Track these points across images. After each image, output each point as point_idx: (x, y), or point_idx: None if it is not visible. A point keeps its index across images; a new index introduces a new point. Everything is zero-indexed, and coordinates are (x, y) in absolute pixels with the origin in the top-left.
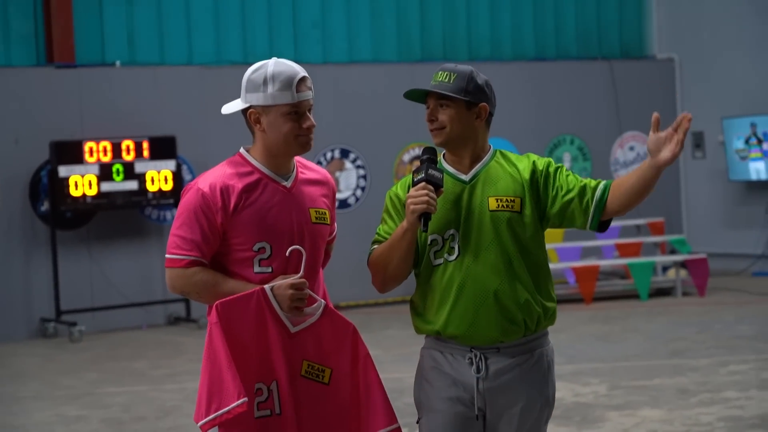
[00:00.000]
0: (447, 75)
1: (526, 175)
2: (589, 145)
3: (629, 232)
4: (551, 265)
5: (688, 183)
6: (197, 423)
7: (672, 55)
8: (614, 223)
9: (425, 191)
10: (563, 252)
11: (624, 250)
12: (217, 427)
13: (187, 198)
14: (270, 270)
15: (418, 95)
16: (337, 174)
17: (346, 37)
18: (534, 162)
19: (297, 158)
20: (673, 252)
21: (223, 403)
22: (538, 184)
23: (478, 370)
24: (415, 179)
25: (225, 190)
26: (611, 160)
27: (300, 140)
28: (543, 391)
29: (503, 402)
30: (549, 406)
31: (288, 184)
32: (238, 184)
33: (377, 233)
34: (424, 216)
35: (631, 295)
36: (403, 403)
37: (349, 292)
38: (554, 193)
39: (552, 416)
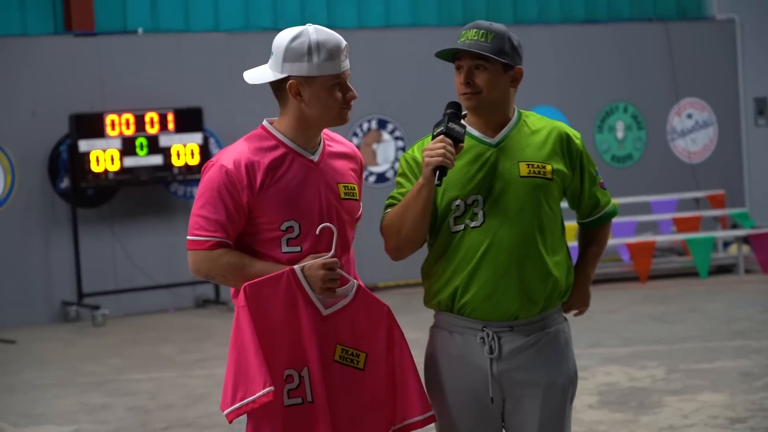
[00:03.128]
0: (483, 34)
1: (563, 144)
2: (643, 113)
3: (688, 205)
4: None
5: (750, 152)
6: (223, 411)
7: (732, 16)
8: (671, 197)
9: (443, 144)
10: (617, 227)
11: (682, 225)
12: (246, 416)
13: (209, 176)
14: (299, 249)
15: (451, 53)
16: (375, 146)
17: None
18: (569, 134)
19: (324, 130)
20: (734, 226)
21: (249, 391)
22: (573, 163)
23: (491, 351)
24: (435, 132)
25: (250, 167)
26: (668, 129)
27: (343, 112)
28: (564, 368)
29: (521, 384)
30: (572, 384)
31: (315, 158)
32: (264, 160)
33: (391, 197)
34: (440, 170)
35: (690, 273)
36: None
37: (387, 272)
38: (581, 183)
39: (607, 402)
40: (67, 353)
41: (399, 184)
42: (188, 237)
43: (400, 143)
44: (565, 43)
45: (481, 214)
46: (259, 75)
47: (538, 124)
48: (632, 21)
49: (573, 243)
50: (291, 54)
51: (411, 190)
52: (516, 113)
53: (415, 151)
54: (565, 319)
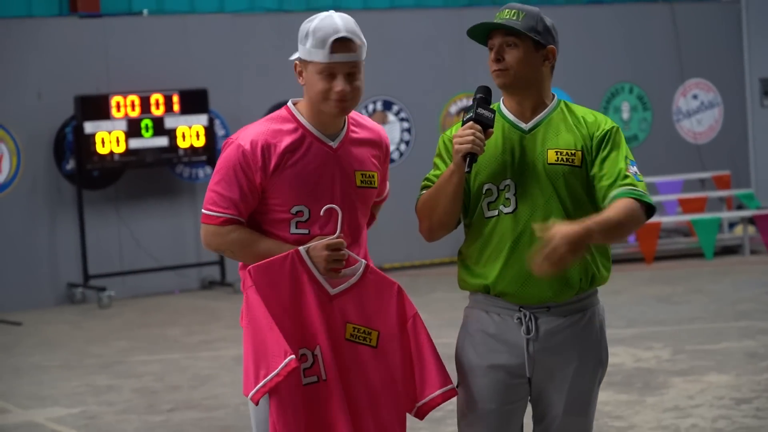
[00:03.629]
0: (515, 13)
1: (594, 130)
2: (648, 93)
3: (693, 186)
4: None
5: (755, 133)
6: (247, 395)
7: None
8: (677, 177)
9: (472, 130)
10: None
11: (687, 206)
12: (267, 397)
13: (227, 153)
14: (307, 232)
15: (483, 31)
16: None
17: None
18: (600, 120)
19: (351, 114)
20: (740, 207)
21: (271, 366)
22: (596, 144)
23: (528, 331)
24: (464, 118)
25: (266, 149)
26: (673, 110)
27: (329, 103)
28: (596, 351)
29: (554, 364)
30: (602, 366)
31: (335, 144)
32: (281, 143)
33: (426, 178)
34: (470, 156)
35: (696, 254)
36: (452, 370)
37: (394, 253)
38: (600, 161)
39: (612, 383)
40: (74, 335)
41: (435, 165)
42: (202, 210)
43: (406, 125)
44: (571, 24)
45: (513, 199)
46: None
47: (575, 113)
48: (638, 2)
49: None
50: (299, 36)
51: (443, 174)
52: (555, 100)
53: (453, 132)
54: (600, 301)
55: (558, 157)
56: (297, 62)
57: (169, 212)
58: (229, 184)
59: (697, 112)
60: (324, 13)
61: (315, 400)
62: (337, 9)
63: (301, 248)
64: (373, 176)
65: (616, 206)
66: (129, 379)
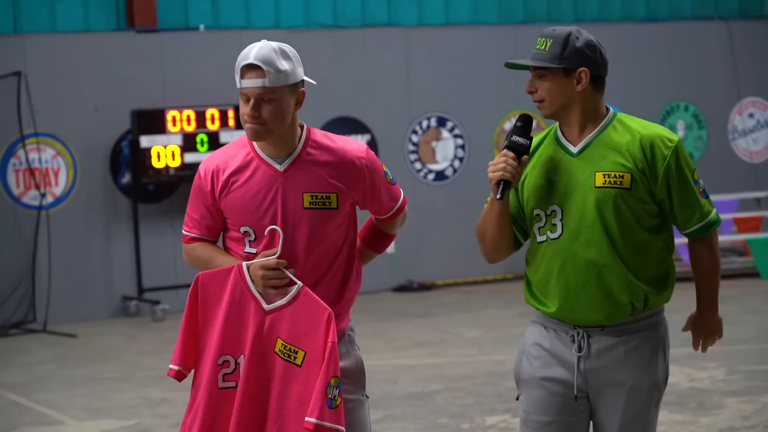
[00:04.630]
0: (544, 42)
1: (646, 151)
2: (704, 112)
3: (748, 205)
4: None
5: None
6: None
7: None
8: (732, 197)
9: (505, 158)
10: (675, 228)
11: (743, 225)
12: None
13: (195, 177)
14: (255, 252)
15: (520, 65)
16: (434, 144)
17: None
18: (655, 140)
19: (316, 136)
20: None
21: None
22: (656, 170)
23: (580, 349)
24: (503, 145)
25: (216, 174)
26: (729, 128)
27: (246, 126)
28: (651, 372)
29: (606, 383)
30: (658, 389)
31: (281, 167)
32: (229, 167)
33: (486, 200)
34: (502, 184)
35: (751, 274)
36: (506, 387)
37: (447, 270)
38: (668, 190)
39: (666, 402)
40: (128, 348)
41: None
42: None
43: (460, 141)
44: (626, 41)
45: (559, 225)
46: None
47: (629, 130)
48: (693, 19)
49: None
50: None
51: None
52: (608, 118)
53: None
54: (663, 323)
55: (606, 180)
56: None
57: None
58: (192, 206)
59: (753, 131)
60: (257, 42)
61: (229, 404)
62: (392, 25)
63: (243, 263)
64: (328, 197)
65: (699, 253)
66: (183, 392)
